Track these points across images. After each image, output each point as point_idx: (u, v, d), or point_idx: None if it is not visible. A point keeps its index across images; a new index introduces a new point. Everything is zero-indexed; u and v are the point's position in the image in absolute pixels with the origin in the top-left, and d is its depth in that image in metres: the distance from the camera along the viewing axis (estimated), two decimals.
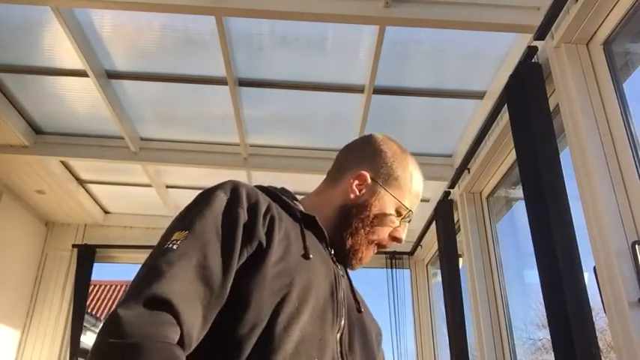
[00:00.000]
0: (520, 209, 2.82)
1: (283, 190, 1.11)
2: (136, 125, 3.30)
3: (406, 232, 1.13)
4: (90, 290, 4.54)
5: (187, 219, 0.88)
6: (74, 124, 3.36)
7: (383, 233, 1.09)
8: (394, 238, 1.10)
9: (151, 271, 0.79)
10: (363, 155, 1.13)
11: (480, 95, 2.82)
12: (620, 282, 1.59)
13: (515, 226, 3.08)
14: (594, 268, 1.70)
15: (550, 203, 1.85)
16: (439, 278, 3.68)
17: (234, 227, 0.87)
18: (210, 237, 0.85)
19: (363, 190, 1.08)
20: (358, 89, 2.78)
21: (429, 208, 3.74)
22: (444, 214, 3.30)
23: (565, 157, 1.95)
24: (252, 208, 0.91)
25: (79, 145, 3.41)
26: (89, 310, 8.51)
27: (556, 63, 1.98)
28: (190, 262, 0.80)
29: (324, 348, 0.88)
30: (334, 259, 1.05)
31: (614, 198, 1.70)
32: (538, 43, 2.08)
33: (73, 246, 4.40)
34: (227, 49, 2.49)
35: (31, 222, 4.29)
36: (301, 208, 1.07)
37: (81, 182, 4.07)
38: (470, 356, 2.94)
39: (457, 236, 3.21)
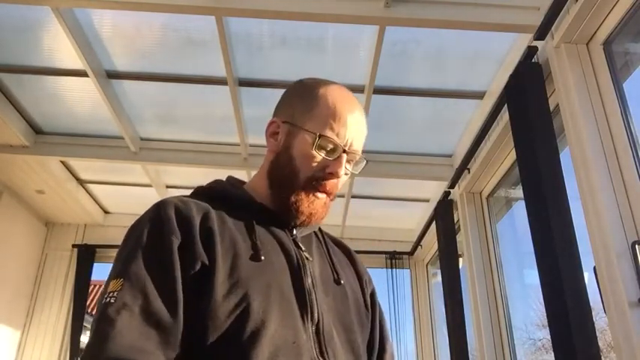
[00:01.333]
0: (520, 209, 2.82)
1: (228, 182, 1.05)
2: (136, 125, 3.30)
3: (344, 166, 0.97)
4: (90, 290, 4.54)
5: (120, 264, 0.83)
6: (74, 124, 3.36)
7: (311, 172, 0.95)
8: (329, 174, 0.96)
9: (97, 335, 0.75)
10: (278, 104, 1.06)
11: (480, 95, 2.82)
12: (620, 282, 1.59)
13: (515, 226, 3.08)
14: (594, 268, 1.70)
15: (550, 203, 1.85)
16: (439, 278, 3.68)
17: (169, 257, 0.82)
18: (146, 278, 0.80)
19: (279, 137, 1.00)
20: (358, 89, 2.78)
21: (429, 208, 3.74)
22: (444, 214, 3.30)
23: (565, 157, 1.95)
24: (185, 227, 0.86)
25: (79, 145, 3.41)
26: (89, 310, 8.49)
27: (556, 63, 1.98)
28: (134, 312, 0.77)
29: (300, 350, 0.83)
30: (296, 238, 0.98)
31: (614, 198, 1.70)
32: (538, 43, 2.08)
33: (73, 246, 4.40)
34: (227, 49, 2.49)
35: (31, 222, 4.29)
36: (249, 196, 0.99)
37: (81, 182, 4.07)
38: (470, 356, 2.94)
39: (457, 236, 3.21)
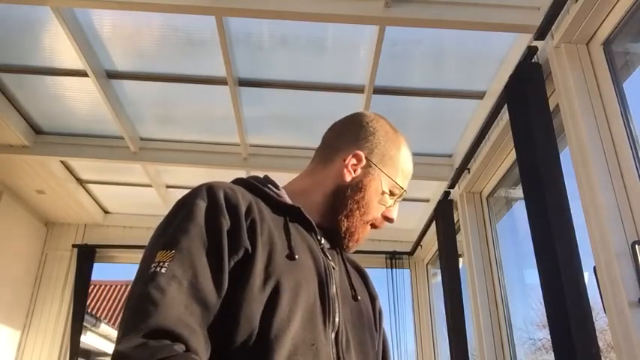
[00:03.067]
0: (520, 209, 2.82)
1: (266, 180, 1.06)
2: (136, 125, 3.30)
3: (397, 213, 1.10)
4: (90, 290, 4.54)
5: (169, 235, 0.84)
6: (74, 124, 3.36)
7: (377, 213, 1.06)
8: (387, 218, 1.08)
9: (145, 300, 0.75)
10: (356, 135, 1.08)
11: (480, 95, 2.82)
12: (620, 282, 1.59)
13: (515, 226, 3.08)
14: (594, 268, 1.70)
15: (550, 203, 1.85)
16: (439, 278, 3.68)
17: (220, 239, 0.84)
18: (197, 253, 0.81)
19: (358, 171, 1.04)
20: (358, 89, 2.78)
21: (429, 208, 3.74)
22: (444, 214, 3.30)
23: (565, 157, 1.95)
24: (234, 213, 0.87)
25: (79, 145, 3.41)
26: (89, 310, 8.51)
27: (556, 63, 1.98)
28: (182, 285, 0.77)
29: (318, 353, 0.84)
30: (324, 248, 1.01)
31: (614, 198, 1.70)
32: (538, 43, 2.08)
33: (73, 246, 4.40)
34: (227, 49, 2.49)
35: (31, 222, 4.30)
36: (286, 198, 1.02)
37: (81, 182, 4.07)
38: (470, 356, 2.94)
39: (457, 236, 3.21)
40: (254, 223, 0.88)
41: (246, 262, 0.84)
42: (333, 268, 0.98)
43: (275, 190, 1.03)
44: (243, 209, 0.89)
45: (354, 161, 1.05)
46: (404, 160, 1.10)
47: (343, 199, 1.03)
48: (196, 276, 0.79)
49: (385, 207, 1.07)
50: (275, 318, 0.81)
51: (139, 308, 0.75)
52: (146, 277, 0.78)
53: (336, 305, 0.92)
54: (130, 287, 0.82)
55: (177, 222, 0.85)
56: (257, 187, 1.00)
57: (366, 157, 1.05)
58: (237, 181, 1.02)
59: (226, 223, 0.85)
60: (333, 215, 1.03)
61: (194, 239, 0.82)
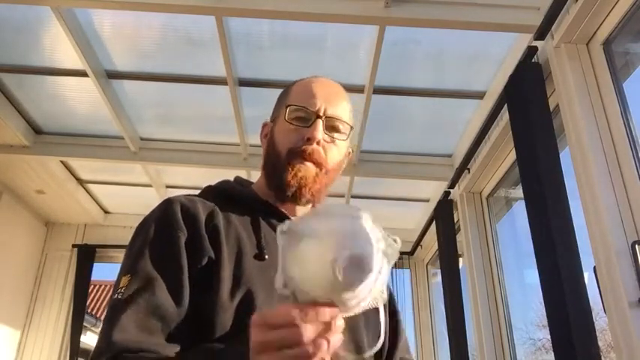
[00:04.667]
0: (520, 209, 2.82)
1: (237, 180, 1.08)
2: (136, 125, 3.30)
3: (320, 130, 0.97)
4: (90, 290, 4.54)
5: (128, 261, 0.87)
6: (74, 124, 3.36)
7: (290, 143, 0.98)
8: (307, 140, 0.96)
9: (105, 329, 0.79)
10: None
11: (480, 95, 2.82)
12: (620, 282, 1.59)
13: (515, 226, 3.08)
14: (594, 268, 1.70)
15: (550, 203, 1.85)
16: (439, 278, 3.68)
17: (176, 251, 0.85)
18: (153, 273, 0.83)
19: (268, 135, 1.06)
20: (358, 89, 2.77)
21: (429, 208, 3.74)
22: (444, 214, 3.30)
23: (565, 157, 1.95)
24: (192, 223, 0.89)
25: (79, 145, 3.41)
26: (89, 310, 8.51)
27: (556, 63, 1.98)
28: (139, 306, 0.80)
29: None
30: None
31: (614, 198, 1.70)
32: (538, 43, 2.08)
33: (73, 246, 4.40)
34: (227, 49, 2.49)
35: (31, 222, 4.29)
36: (253, 192, 1.02)
37: (81, 182, 4.07)
38: (470, 356, 2.94)
39: (457, 236, 3.21)
40: (216, 228, 0.89)
41: (212, 268, 0.85)
42: None
43: (243, 189, 1.04)
44: (202, 217, 0.90)
45: (264, 133, 1.08)
46: (298, 89, 1.05)
47: (267, 162, 1.03)
48: (154, 294, 0.81)
49: (299, 135, 0.98)
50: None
51: (101, 337, 0.79)
52: (109, 305, 0.82)
53: None
54: None
55: (136, 246, 0.88)
56: (224, 190, 1.02)
57: (271, 121, 1.08)
58: (205, 189, 1.04)
59: (183, 235, 0.87)
60: (272, 183, 1.00)
61: (149, 259, 0.84)
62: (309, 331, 0.59)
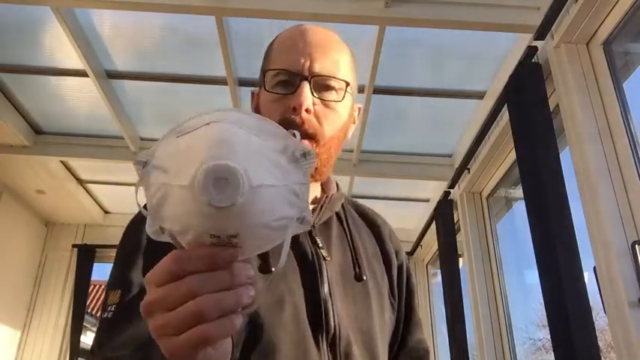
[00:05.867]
0: (520, 209, 2.82)
1: None
2: (136, 125, 3.30)
3: (306, 95, 0.81)
4: (90, 290, 4.54)
5: (116, 271, 0.79)
6: (74, 124, 3.36)
7: (277, 115, 0.82)
8: (292, 109, 0.81)
9: (95, 350, 0.72)
10: None
11: (480, 95, 2.82)
12: (620, 282, 1.59)
13: (515, 226, 3.08)
14: (594, 268, 1.70)
15: (550, 203, 1.85)
16: (439, 278, 3.67)
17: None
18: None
19: (255, 104, 0.91)
20: (358, 89, 2.77)
21: (429, 208, 3.74)
22: (444, 214, 3.30)
23: (565, 157, 1.95)
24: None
25: (79, 145, 3.41)
26: (89, 310, 8.51)
27: (556, 63, 1.98)
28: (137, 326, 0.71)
29: None
30: (313, 231, 0.85)
31: (614, 198, 1.70)
32: (538, 43, 2.08)
33: (73, 246, 4.40)
34: (227, 49, 2.49)
35: (31, 222, 4.29)
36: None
37: (81, 182, 4.07)
38: (470, 356, 2.94)
39: (457, 236, 3.21)
40: None
41: None
42: (324, 258, 0.83)
43: None
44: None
45: (253, 104, 0.93)
46: (276, 47, 0.89)
47: None
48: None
49: (285, 103, 0.83)
50: (257, 347, 0.72)
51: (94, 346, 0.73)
52: (100, 322, 0.75)
53: (329, 307, 0.80)
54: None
55: (124, 254, 0.80)
56: None
57: (258, 87, 0.90)
58: None
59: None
60: None
61: (142, 270, 0.76)
62: (194, 282, 0.46)
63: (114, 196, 4.35)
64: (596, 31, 1.88)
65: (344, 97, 0.85)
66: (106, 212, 4.58)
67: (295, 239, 0.81)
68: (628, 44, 1.92)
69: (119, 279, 0.77)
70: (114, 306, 0.74)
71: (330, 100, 0.84)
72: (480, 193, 3.14)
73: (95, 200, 4.36)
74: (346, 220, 0.92)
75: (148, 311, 0.49)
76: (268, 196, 0.45)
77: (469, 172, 3.00)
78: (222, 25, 2.36)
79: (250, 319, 0.73)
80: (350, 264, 0.87)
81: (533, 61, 2.12)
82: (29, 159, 3.47)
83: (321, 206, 0.88)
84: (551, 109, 2.05)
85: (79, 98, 3.08)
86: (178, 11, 2.28)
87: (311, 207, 0.86)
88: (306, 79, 0.82)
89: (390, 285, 0.94)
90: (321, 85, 0.84)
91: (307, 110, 0.81)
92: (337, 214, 0.92)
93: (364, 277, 0.86)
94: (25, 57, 2.80)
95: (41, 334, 4.15)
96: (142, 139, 3.41)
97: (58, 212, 4.35)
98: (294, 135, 0.50)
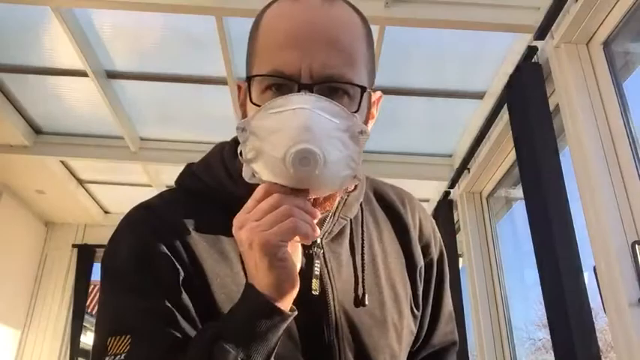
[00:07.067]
0: (520, 209, 2.82)
1: (221, 159, 0.81)
2: (136, 125, 3.30)
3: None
4: (90, 290, 4.54)
5: (114, 315, 0.67)
6: (74, 124, 3.35)
7: None
8: None
9: None
10: None
11: (479, 95, 2.82)
12: (620, 282, 1.59)
13: (515, 226, 3.08)
14: (594, 268, 1.70)
15: (550, 203, 1.85)
16: None
17: (176, 296, 0.66)
18: (156, 328, 0.64)
19: (241, 100, 0.74)
20: None
21: (429, 208, 3.74)
22: (443, 214, 3.30)
23: (565, 157, 1.95)
24: (172, 253, 0.69)
25: (79, 145, 3.41)
26: (89, 310, 8.49)
27: (556, 63, 1.98)
28: None
29: None
30: (318, 245, 0.75)
31: (614, 198, 1.70)
32: (538, 43, 2.08)
33: (73, 246, 4.40)
34: (227, 49, 2.49)
35: (31, 222, 4.29)
36: (247, 177, 0.66)
37: (81, 182, 4.07)
38: (470, 356, 2.94)
39: (457, 236, 3.21)
40: (194, 258, 0.70)
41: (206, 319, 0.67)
42: (331, 280, 0.74)
43: (230, 176, 0.76)
44: (180, 246, 0.70)
45: (239, 98, 0.75)
46: (263, 34, 0.68)
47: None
48: (167, 351, 0.63)
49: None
50: None
51: None
52: None
53: (336, 354, 0.71)
54: None
55: (117, 290, 0.69)
56: (205, 186, 0.78)
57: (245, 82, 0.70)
58: (175, 188, 0.82)
59: (180, 273, 0.68)
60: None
61: (146, 310, 0.65)
62: (281, 196, 0.61)
63: (114, 196, 4.35)
64: (596, 31, 1.88)
65: (359, 107, 0.66)
66: (106, 212, 4.58)
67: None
68: (628, 44, 1.92)
69: (128, 316, 0.65)
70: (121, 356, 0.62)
71: (341, 106, 0.64)
72: (480, 193, 3.14)
73: (95, 200, 4.36)
74: (362, 226, 0.80)
75: (240, 224, 0.62)
76: (335, 164, 0.62)
77: (469, 172, 3.00)
78: (222, 25, 2.36)
79: None
80: (360, 285, 0.76)
81: (533, 61, 2.12)
82: (29, 159, 3.47)
83: (334, 214, 0.76)
84: (551, 109, 2.05)
85: (79, 98, 3.07)
86: (178, 11, 2.28)
87: (321, 215, 0.70)
88: (307, 87, 0.63)
89: (414, 294, 0.82)
90: (329, 91, 0.64)
91: None
92: (354, 218, 0.80)
93: (366, 304, 0.74)
94: (25, 57, 2.80)
95: (41, 334, 4.15)
96: (141, 139, 3.41)
97: (58, 212, 4.35)
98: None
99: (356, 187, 0.80)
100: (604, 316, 1.68)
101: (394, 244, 0.83)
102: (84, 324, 4.27)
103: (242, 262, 0.68)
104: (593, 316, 1.72)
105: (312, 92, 0.62)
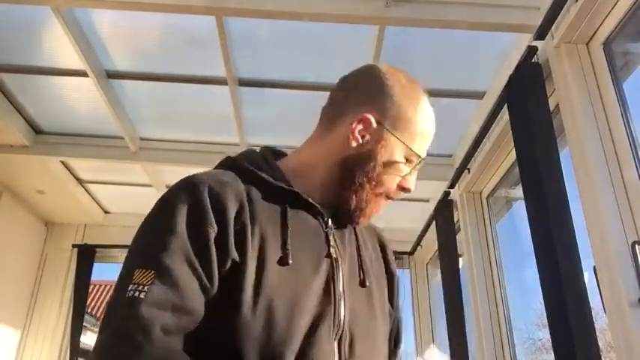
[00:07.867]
0: (520, 209, 2.82)
1: (263, 157, 0.94)
2: (136, 125, 3.30)
3: (415, 181, 0.96)
4: (90, 290, 4.54)
5: (147, 251, 0.76)
6: (74, 124, 3.36)
7: (391, 185, 0.93)
8: (403, 188, 0.95)
9: (123, 339, 0.69)
10: (366, 92, 0.94)
11: (480, 95, 2.82)
12: (620, 282, 1.59)
13: (515, 226, 3.08)
14: (594, 268, 1.70)
15: (550, 203, 1.85)
16: (439, 278, 3.67)
17: (206, 251, 0.76)
18: (180, 271, 0.73)
19: (367, 137, 0.90)
20: None
21: (429, 208, 3.74)
22: (444, 214, 3.30)
23: (565, 157, 1.95)
24: (221, 217, 0.79)
25: (79, 145, 3.41)
26: (89, 310, 8.51)
27: (556, 63, 1.98)
28: (166, 311, 0.71)
29: None
30: (330, 232, 0.90)
31: (614, 198, 1.70)
32: (538, 43, 2.08)
33: (73, 246, 4.40)
34: (227, 49, 2.49)
35: (31, 222, 4.29)
36: (282, 183, 0.88)
37: (81, 182, 4.07)
38: (470, 356, 2.94)
39: (457, 236, 3.21)
40: (244, 227, 0.80)
41: (235, 275, 0.77)
42: (336, 260, 0.88)
43: (271, 173, 0.90)
44: (232, 212, 0.80)
45: (361, 126, 0.90)
46: (422, 121, 0.95)
47: (351, 172, 0.90)
48: (182, 297, 0.73)
49: (401, 176, 0.93)
50: (273, 336, 0.76)
51: (118, 349, 0.69)
52: (124, 300, 0.71)
53: (341, 304, 0.85)
54: (110, 296, 0.76)
55: (157, 233, 0.78)
56: (250, 172, 0.88)
57: (376, 121, 0.90)
58: (229, 165, 0.92)
59: (213, 231, 0.77)
60: (340, 190, 0.90)
61: (175, 254, 0.74)
62: None
63: (114, 196, 4.35)
64: (596, 31, 1.88)
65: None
66: (106, 212, 4.58)
67: (314, 237, 0.88)
68: (628, 44, 1.92)
69: (158, 263, 0.74)
70: (145, 286, 0.71)
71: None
72: (480, 193, 3.14)
73: (95, 200, 4.36)
74: (355, 230, 1.00)
75: None
76: None
77: (469, 172, 3.00)
78: (222, 25, 2.36)
79: (266, 309, 0.77)
80: (357, 268, 0.94)
81: (533, 61, 2.12)
82: (29, 159, 3.47)
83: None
84: (551, 109, 2.04)
85: (79, 98, 3.08)
86: (178, 11, 2.28)
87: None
88: (420, 163, 0.96)
89: (390, 296, 1.04)
90: None
91: None
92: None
93: (367, 284, 0.93)
94: (25, 57, 2.80)
95: (41, 334, 4.15)
96: (141, 139, 3.41)
97: (58, 212, 4.35)
98: None
99: None
100: (604, 316, 1.68)
101: (377, 255, 1.05)
102: (84, 324, 4.27)
103: (283, 241, 0.82)
104: (593, 316, 1.72)
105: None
